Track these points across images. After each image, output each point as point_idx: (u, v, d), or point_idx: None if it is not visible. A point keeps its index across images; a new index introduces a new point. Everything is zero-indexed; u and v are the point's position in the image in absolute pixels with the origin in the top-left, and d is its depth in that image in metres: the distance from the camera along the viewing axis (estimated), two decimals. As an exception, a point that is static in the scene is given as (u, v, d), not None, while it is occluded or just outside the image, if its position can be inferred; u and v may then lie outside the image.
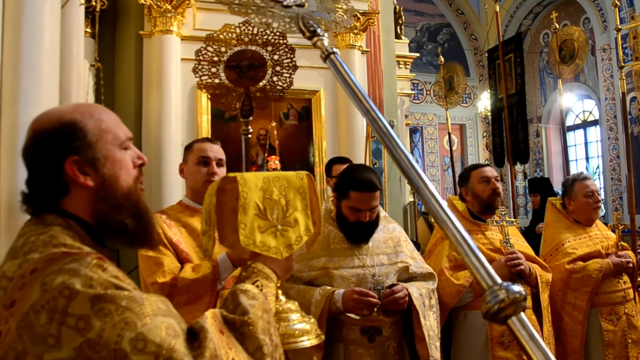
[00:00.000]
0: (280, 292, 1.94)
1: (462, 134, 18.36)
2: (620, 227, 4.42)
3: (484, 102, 16.32)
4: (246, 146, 3.17)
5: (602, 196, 11.35)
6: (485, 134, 18.02)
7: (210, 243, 1.78)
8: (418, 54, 13.04)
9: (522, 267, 3.62)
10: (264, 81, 3.16)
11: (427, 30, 18.06)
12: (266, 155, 6.22)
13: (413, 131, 16.93)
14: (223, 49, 3.07)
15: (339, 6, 1.88)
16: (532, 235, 7.77)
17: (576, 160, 16.33)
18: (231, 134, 5.87)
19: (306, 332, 1.88)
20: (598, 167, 15.05)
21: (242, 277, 1.67)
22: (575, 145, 16.46)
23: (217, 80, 3.11)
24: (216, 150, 3.16)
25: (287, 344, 1.81)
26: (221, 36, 3.07)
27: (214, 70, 3.10)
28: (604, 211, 13.19)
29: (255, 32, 3.04)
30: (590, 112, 15.82)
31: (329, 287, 3.03)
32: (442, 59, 11.75)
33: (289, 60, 3.17)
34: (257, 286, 1.62)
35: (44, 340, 1.17)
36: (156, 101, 5.88)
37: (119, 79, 6.28)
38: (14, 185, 3.06)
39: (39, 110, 1.84)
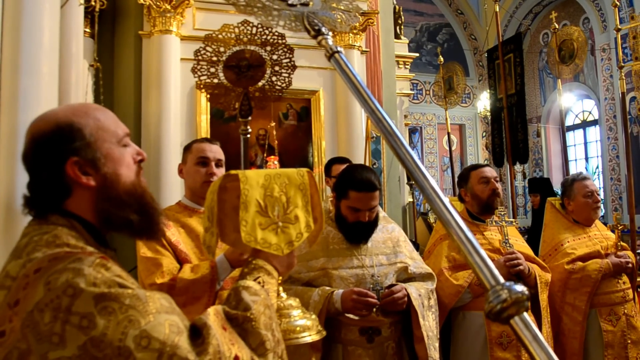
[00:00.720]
0: (281, 288, 1.94)
1: (461, 134, 18.37)
2: (619, 228, 4.42)
3: (484, 102, 16.34)
4: (245, 146, 3.17)
5: (602, 196, 11.36)
6: (484, 134, 18.04)
7: (213, 240, 1.79)
8: (417, 54, 13.05)
9: (521, 267, 3.63)
10: (263, 81, 3.16)
11: (427, 30, 18.07)
12: (265, 155, 6.23)
13: (412, 131, 16.95)
14: (222, 49, 3.07)
15: (343, 5, 1.88)
16: (536, 236, 7.76)
17: (576, 160, 16.35)
18: (230, 134, 5.87)
19: (307, 328, 1.88)
20: (597, 167, 15.06)
21: (244, 273, 1.68)
22: (574, 145, 16.48)
23: (216, 80, 3.11)
24: (215, 151, 3.15)
25: (289, 340, 1.82)
26: (220, 36, 3.06)
27: (213, 70, 3.11)
28: (603, 211, 13.19)
29: (254, 32, 3.04)
30: (590, 112, 15.84)
31: (327, 288, 3.02)
32: (442, 59, 11.75)
33: (287, 60, 3.17)
34: (259, 282, 1.63)
35: (49, 338, 1.18)
36: (155, 101, 5.88)
37: (118, 79, 6.28)
38: (13, 186, 3.05)
39: (38, 110, 1.84)
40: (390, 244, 3.28)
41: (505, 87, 9.82)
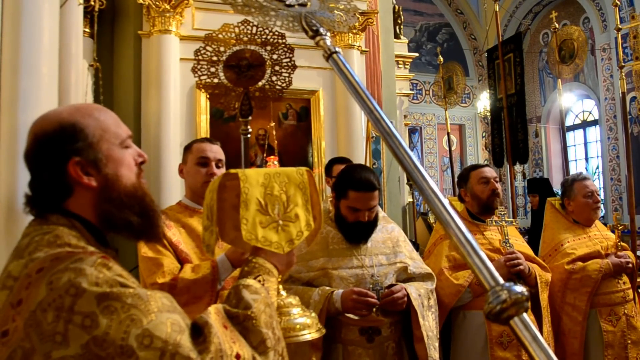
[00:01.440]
0: (281, 287, 1.95)
1: (461, 134, 18.39)
2: (619, 228, 4.42)
3: (483, 102, 16.33)
4: (246, 146, 3.17)
5: (602, 196, 11.36)
6: (484, 134, 18.05)
7: (213, 238, 1.79)
8: (417, 54, 13.06)
9: (521, 267, 3.63)
10: (263, 81, 3.16)
11: (426, 30, 18.09)
12: (265, 155, 6.23)
13: (412, 131, 16.96)
14: (222, 49, 3.07)
15: (341, 5, 1.88)
16: (536, 236, 7.76)
17: (576, 160, 16.36)
18: (230, 133, 5.88)
19: (307, 326, 1.88)
20: (598, 167, 15.07)
21: (244, 272, 1.68)
22: (574, 145, 16.50)
23: (216, 80, 3.10)
24: (215, 151, 3.16)
25: (289, 338, 1.82)
26: (220, 36, 3.06)
27: (213, 69, 3.11)
28: (603, 211, 13.20)
29: (254, 31, 3.04)
30: (590, 112, 15.85)
31: (327, 288, 3.03)
32: (441, 58, 11.76)
33: (288, 59, 3.17)
34: (259, 281, 1.63)
35: (52, 338, 1.18)
36: (155, 101, 5.88)
37: (117, 78, 6.28)
38: (14, 186, 3.05)
39: (38, 110, 1.83)
40: (390, 244, 3.28)
41: (505, 87, 9.81)
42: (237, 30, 3.05)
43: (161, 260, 2.79)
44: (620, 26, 7.31)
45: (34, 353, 1.19)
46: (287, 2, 1.72)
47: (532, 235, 8.14)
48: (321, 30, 1.60)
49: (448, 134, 12.01)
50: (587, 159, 16.06)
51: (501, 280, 1.06)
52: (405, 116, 10.95)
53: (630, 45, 8.41)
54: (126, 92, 6.17)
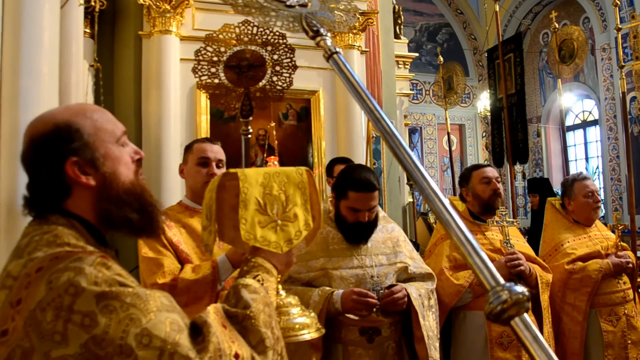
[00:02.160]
0: (280, 286, 1.95)
1: (461, 134, 18.39)
2: (620, 228, 4.42)
3: (483, 102, 16.35)
4: (246, 145, 3.16)
5: (602, 196, 11.36)
6: (484, 134, 18.05)
7: (211, 238, 1.80)
8: (417, 54, 13.08)
9: (522, 267, 3.63)
10: (264, 81, 3.15)
11: (426, 30, 18.09)
12: (265, 155, 6.23)
13: (412, 131, 16.96)
14: (222, 49, 3.07)
15: (342, 6, 1.88)
16: (536, 236, 7.76)
17: (576, 160, 16.36)
18: (230, 134, 5.88)
19: (306, 325, 1.89)
20: (598, 167, 15.07)
21: (243, 271, 1.69)
22: (574, 145, 16.49)
23: (216, 80, 3.10)
24: (216, 151, 3.17)
25: (288, 337, 1.83)
26: (220, 36, 3.06)
27: (213, 70, 3.10)
28: (603, 211, 13.20)
29: (254, 32, 3.04)
30: (590, 112, 15.85)
31: (327, 288, 3.03)
32: (441, 58, 11.76)
33: (288, 60, 3.17)
34: (258, 280, 1.64)
35: (51, 337, 1.19)
36: (155, 101, 5.88)
37: (118, 79, 6.28)
38: (14, 186, 3.06)
39: (38, 110, 1.84)
40: (390, 244, 3.28)
41: (505, 87, 9.82)
42: (237, 30, 3.05)
43: (161, 260, 2.79)
44: (620, 26, 7.32)
45: (33, 352, 1.19)
46: (288, 3, 1.72)
47: (532, 235, 8.14)
48: (322, 30, 1.60)
49: (448, 134, 12.01)
50: (587, 159, 16.06)
51: (502, 281, 1.06)
52: (405, 116, 10.96)
53: (630, 45, 8.42)
54: (127, 92, 6.18)
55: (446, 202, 1.19)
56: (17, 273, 1.31)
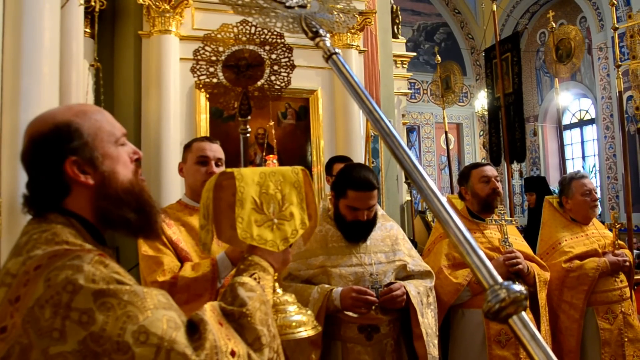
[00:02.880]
0: (277, 284, 1.96)
1: (458, 133, 18.41)
2: (617, 226, 4.42)
3: (481, 101, 16.39)
4: (244, 144, 3.17)
5: (599, 195, 11.37)
6: (482, 133, 18.08)
7: (209, 237, 1.81)
8: (415, 54, 13.11)
9: (520, 266, 3.64)
10: (262, 80, 3.16)
11: (424, 29, 18.11)
12: (264, 154, 6.24)
13: (410, 130, 16.97)
14: (221, 49, 3.08)
15: (341, 7, 1.90)
16: (532, 234, 7.78)
17: (572, 159, 16.39)
18: (230, 133, 5.88)
19: (303, 323, 1.89)
20: (594, 166, 15.10)
21: (240, 270, 1.70)
22: (571, 144, 16.54)
23: (215, 80, 3.11)
24: (215, 150, 3.17)
25: (285, 335, 1.83)
26: (219, 36, 3.07)
27: (212, 69, 3.11)
28: (600, 210, 13.22)
29: (252, 31, 3.05)
30: (587, 111, 15.88)
31: (327, 286, 3.03)
32: (439, 58, 11.80)
33: (286, 59, 3.18)
34: (255, 279, 1.65)
35: (49, 334, 1.20)
36: (155, 101, 5.88)
37: (118, 78, 6.28)
38: (15, 185, 3.07)
39: (39, 110, 1.85)
40: (388, 242, 3.28)
41: (502, 86, 9.83)
42: (235, 30, 3.06)
43: (161, 258, 2.79)
44: (617, 25, 7.35)
45: (31, 349, 1.20)
46: (287, 4, 1.74)
47: (529, 233, 8.15)
48: (321, 31, 1.61)
49: (446, 132, 12.04)
50: (583, 157, 16.09)
51: (500, 279, 1.07)
52: (403, 115, 10.96)
53: (627, 45, 8.45)
54: (126, 91, 6.17)
55: (444, 201, 1.20)
56: (16, 271, 1.32)
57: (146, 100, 6.02)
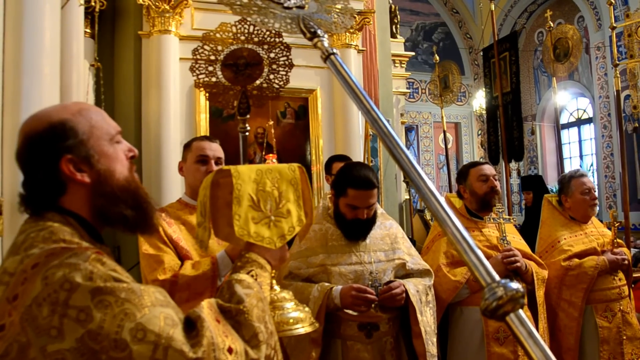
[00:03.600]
0: (274, 281, 1.97)
1: (457, 132, 18.43)
2: (616, 225, 4.43)
3: (479, 100, 16.40)
4: (244, 143, 3.18)
5: (596, 193, 11.35)
6: (480, 132, 18.10)
7: (206, 234, 1.81)
8: (413, 53, 13.11)
9: (518, 264, 3.65)
10: (261, 79, 3.17)
11: (422, 29, 18.12)
12: (264, 153, 6.24)
13: (408, 129, 16.97)
14: (220, 48, 3.09)
15: (338, 8, 1.91)
16: (530, 233, 7.79)
17: (570, 158, 16.40)
18: (229, 132, 5.88)
19: (300, 320, 1.91)
20: (592, 165, 15.11)
21: (237, 267, 1.70)
22: (569, 143, 16.55)
23: (214, 79, 3.12)
24: (215, 149, 3.17)
25: (282, 332, 1.85)
26: (217, 35, 3.08)
27: (211, 68, 3.12)
28: (597, 208, 13.23)
29: (251, 30, 3.06)
30: (585, 110, 15.89)
31: (327, 284, 3.04)
32: (437, 57, 11.80)
33: (285, 58, 3.19)
34: (252, 276, 1.65)
35: (47, 332, 1.20)
36: (155, 100, 5.89)
37: (118, 78, 6.28)
38: (17, 184, 3.05)
39: (40, 109, 1.86)
40: (388, 241, 3.30)
41: (500, 86, 9.84)
42: (234, 29, 3.07)
43: (162, 257, 2.80)
44: (614, 25, 7.35)
45: (29, 347, 1.21)
46: (285, 5, 1.74)
47: (526, 231, 8.16)
48: (319, 32, 1.62)
49: (444, 132, 12.05)
50: (581, 156, 16.10)
51: (497, 277, 1.08)
52: (401, 114, 10.97)
53: (624, 44, 8.45)
54: (127, 91, 6.17)
55: (442, 200, 1.21)
56: (14, 269, 1.33)
57: (146, 99, 6.03)
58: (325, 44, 1.58)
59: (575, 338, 4.12)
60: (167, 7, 5.91)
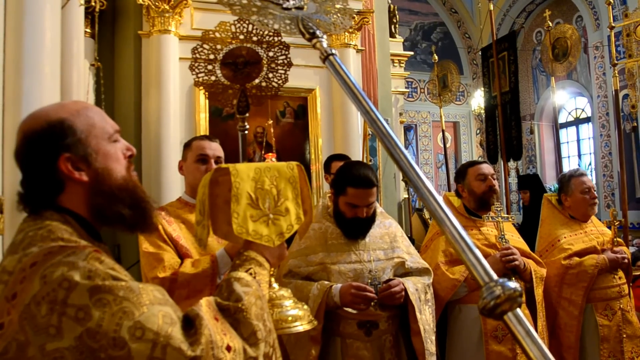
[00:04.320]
0: (273, 279, 1.98)
1: (455, 131, 18.44)
2: (615, 224, 4.42)
3: (478, 99, 16.41)
4: (243, 142, 3.19)
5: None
6: (478, 131, 18.11)
7: (205, 232, 1.81)
8: (412, 53, 13.09)
9: (516, 262, 3.65)
10: (259, 78, 3.18)
11: (421, 29, 18.13)
12: (263, 152, 6.25)
13: (407, 129, 16.98)
14: (219, 47, 3.10)
15: (337, 8, 1.92)
16: (527, 232, 7.80)
17: (569, 157, 16.40)
18: (229, 131, 5.88)
19: (299, 317, 1.92)
20: (590, 164, 15.11)
21: (236, 265, 1.71)
22: (567, 142, 16.55)
23: (213, 78, 3.13)
24: (214, 148, 3.19)
25: (281, 329, 1.86)
26: (216, 34, 3.09)
27: (210, 67, 3.13)
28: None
29: (250, 29, 3.07)
30: (583, 110, 15.90)
31: (326, 282, 3.05)
32: (436, 57, 11.80)
33: (283, 57, 3.20)
34: (251, 274, 1.66)
35: (46, 330, 1.21)
36: (155, 100, 5.89)
37: (118, 78, 6.27)
38: (17, 183, 3.09)
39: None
40: (387, 239, 3.30)
41: (499, 85, 9.86)
42: (233, 28, 3.08)
43: (162, 255, 2.81)
44: (613, 24, 7.35)
45: (28, 345, 1.22)
46: (284, 5, 1.75)
47: (524, 230, 8.17)
48: (318, 32, 1.62)
49: (443, 131, 12.05)
50: (579, 155, 16.10)
51: (495, 276, 1.08)
52: (400, 114, 10.96)
53: (623, 43, 8.45)
54: (127, 91, 6.17)
55: (440, 200, 1.22)
56: (12, 268, 1.33)
57: (146, 99, 6.02)
58: (324, 44, 1.58)
59: (575, 336, 4.12)
60: (167, 7, 5.91)
